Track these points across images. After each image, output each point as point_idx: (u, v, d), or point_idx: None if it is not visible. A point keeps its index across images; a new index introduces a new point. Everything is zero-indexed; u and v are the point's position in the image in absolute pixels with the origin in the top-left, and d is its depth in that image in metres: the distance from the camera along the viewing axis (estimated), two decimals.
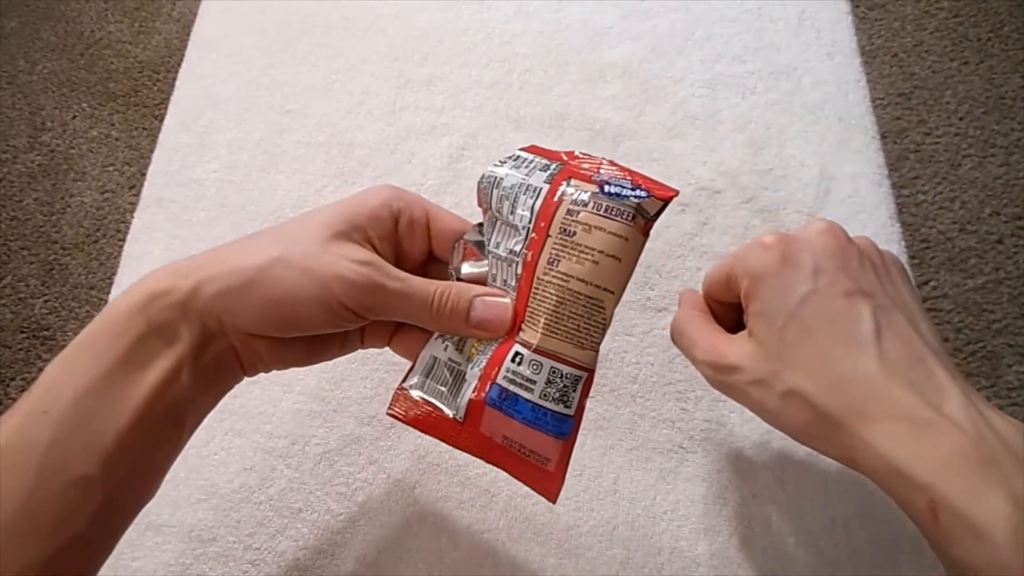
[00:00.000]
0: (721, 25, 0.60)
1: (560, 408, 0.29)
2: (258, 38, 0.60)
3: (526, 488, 0.30)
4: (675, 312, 0.37)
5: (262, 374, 0.32)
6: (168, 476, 0.29)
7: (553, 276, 0.29)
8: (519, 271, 0.30)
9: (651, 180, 0.30)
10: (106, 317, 0.28)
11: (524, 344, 0.29)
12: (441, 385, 0.31)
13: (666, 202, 0.30)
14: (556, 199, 0.30)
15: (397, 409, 0.31)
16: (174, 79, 0.59)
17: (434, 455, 0.44)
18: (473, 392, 0.29)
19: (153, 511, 0.42)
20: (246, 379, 0.32)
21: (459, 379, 0.31)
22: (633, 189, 0.29)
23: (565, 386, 0.29)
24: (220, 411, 0.32)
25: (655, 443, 0.44)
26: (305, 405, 0.45)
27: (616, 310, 0.30)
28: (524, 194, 0.30)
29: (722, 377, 0.32)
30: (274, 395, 0.46)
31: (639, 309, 0.48)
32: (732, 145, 0.55)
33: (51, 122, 0.58)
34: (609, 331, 0.30)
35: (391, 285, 0.29)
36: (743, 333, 0.33)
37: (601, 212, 0.29)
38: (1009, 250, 0.54)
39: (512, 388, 0.29)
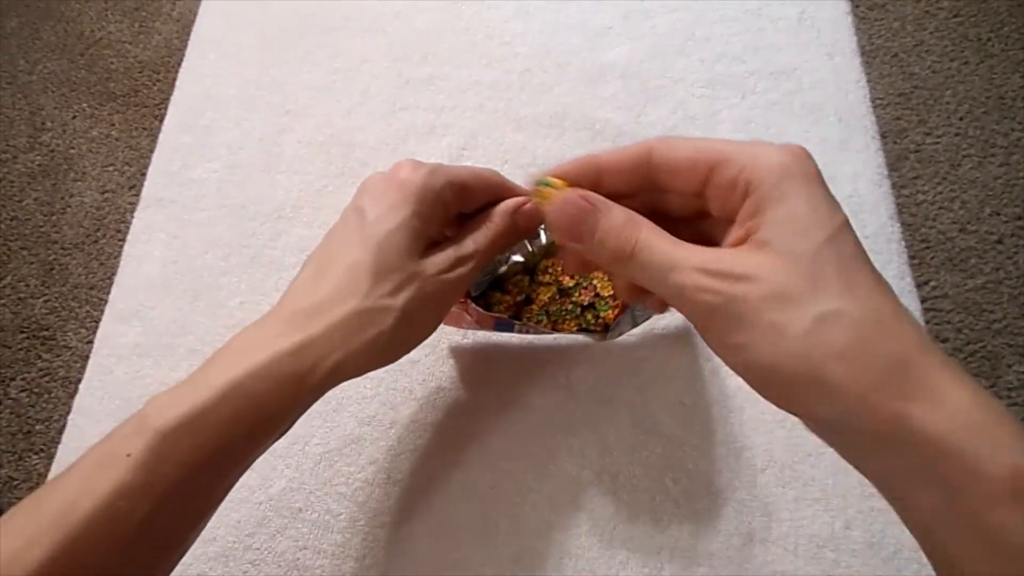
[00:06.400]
0: (721, 25, 0.60)
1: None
2: (258, 38, 0.60)
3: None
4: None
5: None
6: None
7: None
8: None
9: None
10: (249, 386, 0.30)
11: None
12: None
13: None
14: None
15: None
16: (174, 79, 0.59)
17: (434, 455, 0.44)
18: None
19: None
20: None
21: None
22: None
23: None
24: None
25: (655, 443, 0.44)
26: None
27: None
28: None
29: (726, 288, 0.24)
30: None
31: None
32: None
33: (51, 122, 0.58)
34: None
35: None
36: (742, 247, 0.25)
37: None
38: (1009, 250, 0.54)
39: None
